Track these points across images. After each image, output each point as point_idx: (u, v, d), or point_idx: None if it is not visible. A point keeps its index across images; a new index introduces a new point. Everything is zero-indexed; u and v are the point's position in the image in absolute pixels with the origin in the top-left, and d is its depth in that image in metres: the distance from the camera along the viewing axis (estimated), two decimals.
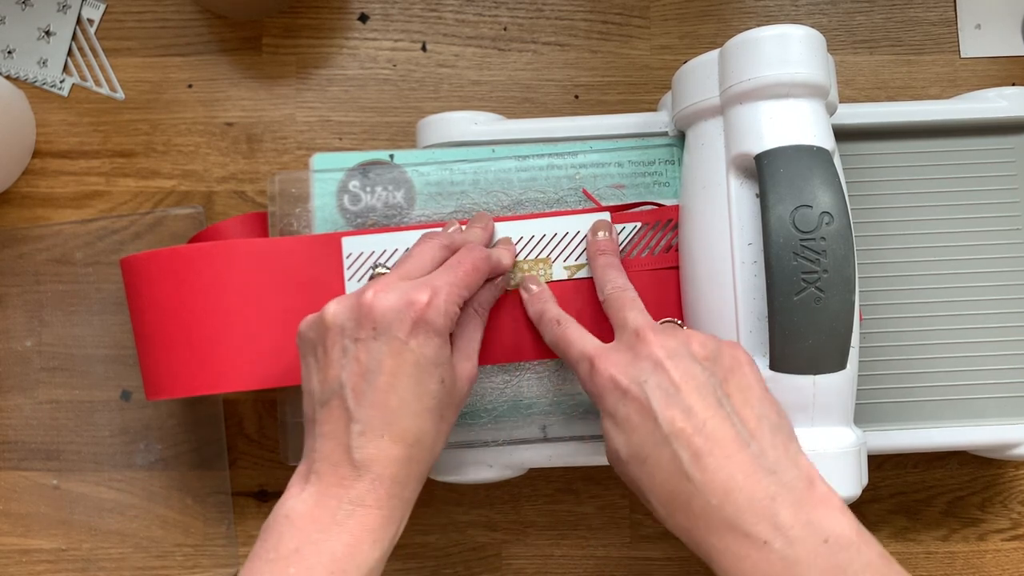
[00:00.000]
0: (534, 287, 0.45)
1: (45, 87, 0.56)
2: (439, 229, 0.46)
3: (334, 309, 0.39)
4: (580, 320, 0.46)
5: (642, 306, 0.41)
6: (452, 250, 0.43)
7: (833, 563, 0.33)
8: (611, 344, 0.40)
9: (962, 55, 0.57)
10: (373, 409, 0.37)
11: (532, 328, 0.45)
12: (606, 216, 0.46)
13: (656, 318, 0.41)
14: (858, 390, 0.42)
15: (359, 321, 0.38)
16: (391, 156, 0.48)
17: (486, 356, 0.45)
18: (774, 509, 0.33)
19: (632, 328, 0.39)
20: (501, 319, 0.45)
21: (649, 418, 0.36)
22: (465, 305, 0.41)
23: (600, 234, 0.45)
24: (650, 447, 0.36)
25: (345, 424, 0.37)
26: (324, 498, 0.37)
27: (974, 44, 0.57)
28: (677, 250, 0.46)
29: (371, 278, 0.42)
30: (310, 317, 0.40)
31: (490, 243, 0.46)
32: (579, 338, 0.41)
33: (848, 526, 0.34)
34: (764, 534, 0.33)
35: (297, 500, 0.37)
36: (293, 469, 0.53)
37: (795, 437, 0.37)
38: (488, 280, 0.43)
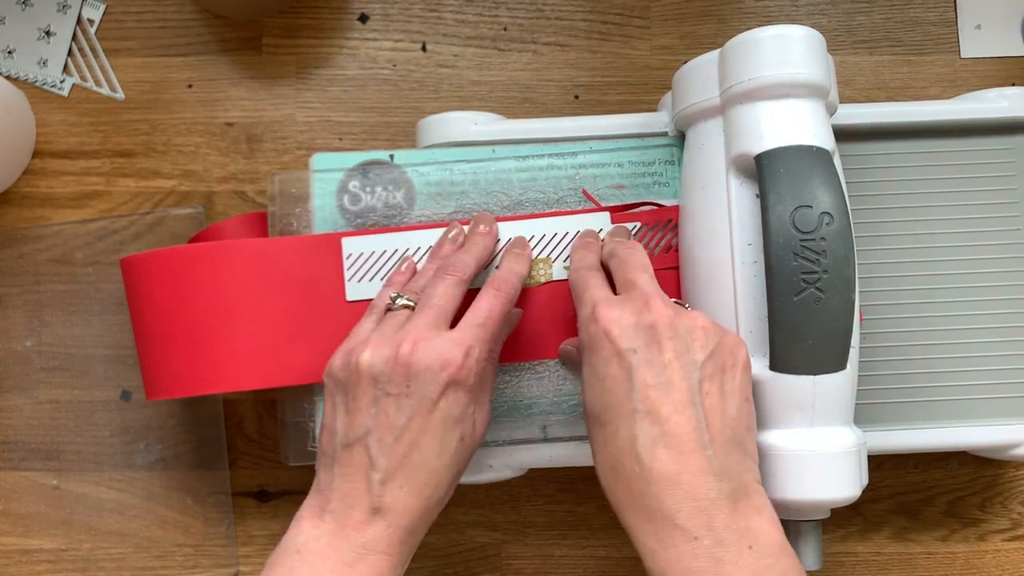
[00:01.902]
0: (591, 240, 0.45)
1: (45, 87, 0.56)
2: (442, 231, 0.46)
3: (369, 359, 0.39)
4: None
5: (653, 273, 0.41)
6: (470, 281, 0.43)
7: (753, 568, 0.34)
8: (621, 297, 0.39)
9: (962, 55, 0.57)
10: (395, 460, 0.38)
11: (538, 329, 0.46)
12: (606, 216, 0.47)
13: None
14: (858, 390, 0.42)
15: (393, 375, 0.38)
16: (391, 156, 0.48)
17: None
18: (711, 511, 0.35)
19: (642, 292, 0.39)
20: None
21: (625, 387, 0.36)
22: (490, 354, 0.41)
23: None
24: (614, 413, 0.37)
25: (366, 470, 0.38)
26: (337, 539, 0.37)
27: (974, 44, 0.57)
28: (677, 250, 0.46)
29: (388, 310, 0.42)
30: (342, 356, 0.40)
31: (495, 245, 0.46)
32: (596, 285, 0.41)
33: (773, 538, 0.35)
34: (696, 530, 0.34)
35: (309, 536, 0.38)
36: (293, 469, 0.54)
37: (752, 453, 0.38)
38: None
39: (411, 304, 0.41)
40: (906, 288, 0.48)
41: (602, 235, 0.46)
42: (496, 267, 0.45)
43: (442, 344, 0.39)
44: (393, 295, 0.42)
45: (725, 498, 0.35)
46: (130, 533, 0.54)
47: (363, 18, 0.57)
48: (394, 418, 0.38)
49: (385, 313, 0.42)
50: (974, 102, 0.49)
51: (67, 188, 0.56)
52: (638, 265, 0.41)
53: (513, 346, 0.46)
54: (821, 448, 0.40)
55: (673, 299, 0.41)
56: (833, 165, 0.40)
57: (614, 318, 0.38)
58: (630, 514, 0.36)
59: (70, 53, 0.56)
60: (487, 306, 0.41)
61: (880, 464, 0.54)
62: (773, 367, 0.40)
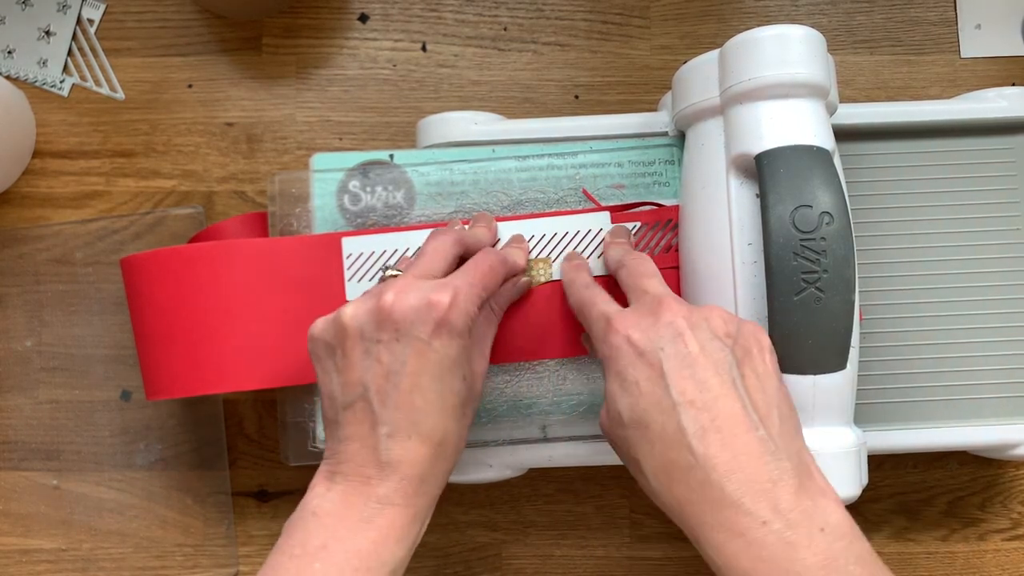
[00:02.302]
0: (579, 261, 0.45)
1: (45, 87, 0.56)
2: (442, 229, 0.46)
3: (352, 311, 0.38)
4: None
5: (662, 278, 0.40)
6: (464, 247, 0.43)
7: (828, 551, 0.33)
8: (631, 308, 0.39)
9: (962, 55, 0.57)
10: (399, 410, 0.37)
11: (538, 329, 0.45)
12: (606, 216, 0.47)
13: None
14: (858, 390, 0.42)
15: (379, 324, 0.38)
16: (391, 156, 0.48)
17: (493, 357, 0.45)
18: (775, 492, 0.33)
19: (654, 295, 0.38)
20: (508, 320, 0.45)
21: (660, 385, 0.36)
22: (482, 304, 0.41)
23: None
24: (655, 414, 0.36)
25: (371, 426, 0.37)
26: (351, 497, 0.37)
27: (974, 44, 0.57)
28: (677, 250, 0.46)
29: (381, 280, 0.42)
30: (323, 320, 0.40)
31: (495, 243, 0.46)
32: (603, 301, 0.40)
33: (843, 519, 0.34)
34: (764, 514, 0.33)
35: (323, 499, 0.37)
36: (293, 469, 0.54)
37: (801, 432, 0.37)
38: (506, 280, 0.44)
39: (399, 273, 0.41)
40: (906, 288, 0.48)
41: (602, 235, 0.46)
42: None
43: (425, 287, 0.38)
44: (384, 267, 0.42)
45: (789, 477, 0.34)
46: (130, 533, 0.54)
47: (363, 18, 0.57)
48: (389, 365, 0.37)
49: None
50: (974, 102, 0.49)
51: (67, 188, 0.56)
52: (648, 272, 0.40)
53: (513, 346, 0.46)
54: (821, 448, 0.39)
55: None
56: (833, 165, 0.40)
57: (632, 323, 0.37)
58: (691, 511, 0.35)
59: (70, 53, 0.57)
60: (475, 258, 0.41)
61: (880, 464, 0.54)
62: None
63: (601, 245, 0.46)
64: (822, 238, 0.39)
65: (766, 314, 0.40)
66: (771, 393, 0.36)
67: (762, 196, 0.40)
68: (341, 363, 0.38)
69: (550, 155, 0.48)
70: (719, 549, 0.34)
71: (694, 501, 0.34)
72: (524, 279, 0.45)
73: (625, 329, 0.37)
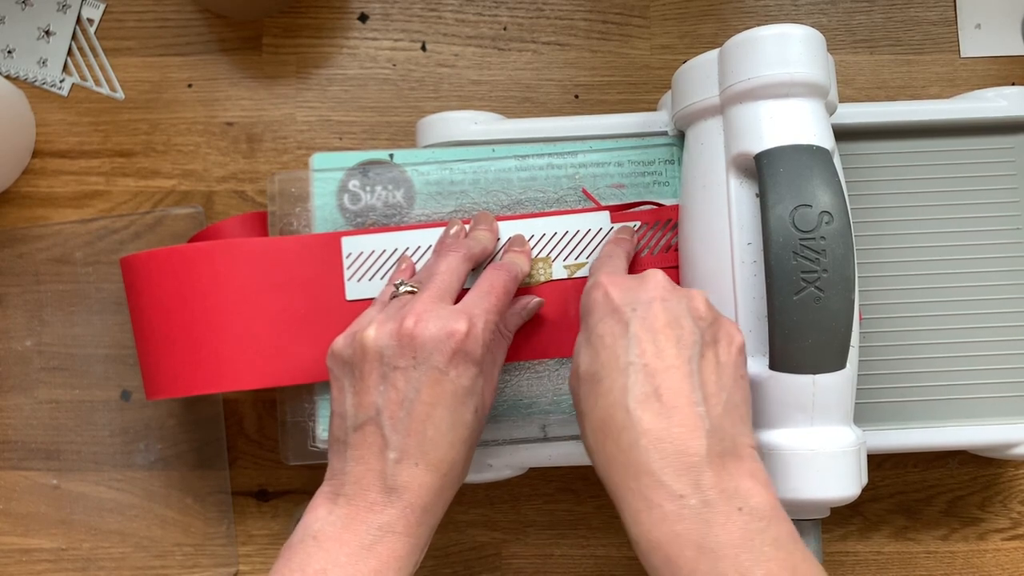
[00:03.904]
0: (625, 236, 0.46)
1: (45, 87, 0.56)
2: (442, 230, 0.46)
3: (374, 334, 0.38)
4: (580, 318, 0.46)
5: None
6: (474, 262, 0.43)
7: (744, 531, 0.33)
8: (626, 274, 0.41)
9: (962, 55, 0.57)
10: (409, 437, 0.37)
11: (538, 328, 0.46)
12: (606, 215, 0.47)
13: None
14: (858, 390, 0.42)
15: (399, 349, 0.38)
16: (391, 156, 0.48)
17: None
18: (699, 468, 0.34)
19: (649, 270, 0.39)
20: None
21: (622, 343, 0.36)
22: (495, 328, 0.41)
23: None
24: (609, 369, 0.36)
25: (380, 450, 0.37)
26: (353, 522, 0.37)
27: (974, 44, 0.57)
28: (677, 250, 0.46)
29: (393, 295, 0.42)
30: (344, 337, 0.40)
31: (496, 244, 0.46)
32: (612, 265, 0.42)
33: (766, 501, 0.34)
34: (682, 488, 0.33)
35: (325, 522, 0.37)
36: (293, 469, 0.54)
37: (748, 424, 0.37)
38: (515, 297, 0.44)
39: (414, 290, 0.41)
40: (906, 288, 0.48)
41: (602, 235, 0.46)
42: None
43: (446, 314, 0.38)
44: (397, 283, 0.42)
45: (716, 456, 0.34)
46: (130, 533, 0.54)
47: (363, 18, 0.57)
48: (404, 392, 0.37)
49: (390, 301, 0.42)
50: (973, 101, 0.49)
51: (67, 188, 0.56)
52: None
53: (513, 346, 0.46)
54: (821, 447, 0.40)
55: None
56: (833, 164, 0.40)
57: (616, 282, 0.38)
58: (615, 472, 0.35)
59: (70, 53, 0.57)
60: (489, 279, 0.41)
61: (880, 463, 0.54)
62: (773, 366, 0.40)
63: (600, 246, 0.46)
64: (822, 237, 0.39)
65: (766, 313, 0.40)
66: (725, 381, 0.36)
67: (762, 195, 0.40)
68: (358, 384, 0.39)
69: (550, 155, 0.48)
70: (635, 516, 0.34)
71: (620, 463, 0.35)
72: (535, 301, 0.45)
73: (607, 285, 0.38)
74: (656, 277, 0.38)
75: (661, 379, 0.35)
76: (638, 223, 0.47)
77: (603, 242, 0.46)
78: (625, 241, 0.45)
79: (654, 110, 0.51)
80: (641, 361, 0.35)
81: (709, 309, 0.38)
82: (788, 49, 0.41)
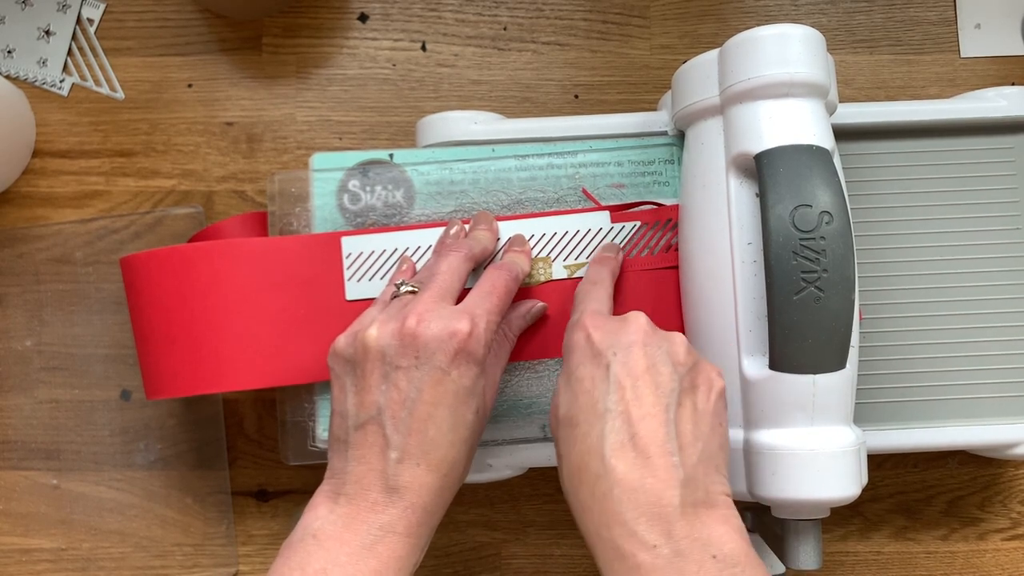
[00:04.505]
0: (610, 254, 0.45)
1: (45, 87, 0.56)
2: (442, 230, 0.46)
3: (377, 333, 0.38)
4: None
5: None
6: (475, 262, 0.43)
7: None
8: (609, 315, 0.40)
9: (962, 55, 0.57)
10: (411, 437, 0.37)
11: (538, 328, 0.46)
12: (606, 215, 0.47)
13: (655, 317, 0.40)
14: (858, 390, 0.42)
15: (402, 349, 0.38)
16: (391, 156, 0.48)
17: None
18: (672, 518, 0.34)
19: (631, 312, 0.39)
20: None
21: (601, 388, 0.36)
22: (497, 329, 0.41)
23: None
24: (586, 414, 0.36)
25: (381, 449, 0.37)
26: (354, 522, 0.37)
27: (974, 44, 0.57)
28: (677, 250, 0.46)
29: (394, 296, 0.42)
30: (346, 336, 0.40)
31: (496, 244, 0.46)
32: (596, 299, 0.41)
33: (739, 548, 0.34)
34: (655, 539, 0.33)
35: (326, 521, 0.37)
36: (293, 469, 0.54)
37: (724, 474, 0.37)
38: (517, 298, 0.44)
39: (415, 289, 0.41)
40: (906, 288, 0.48)
41: (602, 235, 0.46)
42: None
43: (448, 314, 0.38)
44: (398, 283, 0.42)
45: (688, 506, 0.34)
46: (130, 533, 0.54)
47: (363, 18, 0.57)
48: (406, 392, 0.37)
49: (391, 301, 0.42)
50: (973, 101, 0.49)
51: (67, 188, 0.56)
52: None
53: (523, 346, 0.46)
54: (821, 447, 0.39)
55: None
56: (833, 164, 0.40)
57: (598, 324, 0.38)
58: (589, 520, 0.35)
59: (70, 53, 0.57)
60: (490, 279, 0.41)
61: (880, 463, 0.54)
62: (773, 366, 0.40)
63: (600, 246, 0.46)
64: (822, 237, 0.39)
65: (766, 313, 0.40)
66: (702, 429, 0.36)
67: (762, 195, 0.40)
68: (360, 383, 0.39)
69: (550, 154, 0.48)
70: (609, 565, 0.34)
71: (595, 511, 0.35)
72: (539, 306, 0.45)
73: (590, 328, 0.38)
74: (638, 321, 0.38)
75: (637, 427, 0.35)
76: (637, 224, 0.47)
77: (590, 257, 0.46)
78: (610, 260, 0.45)
79: (654, 110, 0.51)
80: (619, 408, 0.35)
81: (689, 354, 0.37)
82: (788, 49, 0.41)
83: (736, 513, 0.35)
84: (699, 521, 0.34)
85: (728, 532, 0.34)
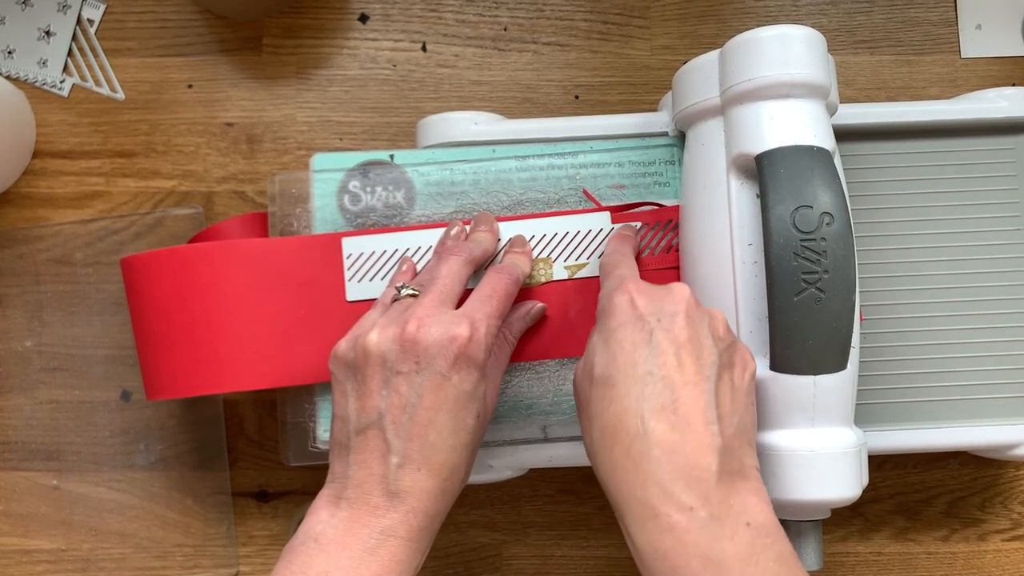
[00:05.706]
0: (629, 232, 0.46)
1: (45, 87, 0.56)
2: (442, 230, 0.46)
3: (377, 338, 0.38)
4: (580, 319, 0.46)
5: None
6: (475, 265, 0.43)
7: (751, 545, 0.33)
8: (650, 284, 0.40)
9: (962, 55, 0.57)
10: (412, 442, 0.37)
11: (539, 329, 0.46)
12: (607, 216, 0.47)
13: None
14: (859, 391, 0.42)
15: (402, 354, 0.38)
16: (391, 156, 0.48)
17: None
18: (709, 483, 0.34)
19: (676, 283, 0.39)
20: None
21: (643, 352, 0.36)
22: (497, 332, 0.41)
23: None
24: (624, 375, 0.36)
25: (382, 454, 0.37)
26: (355, 526, 0.37)
27: (974, 44, 0.57)
28: (677, 250, 0.46)
29: (395, 299, 0.42)
30: (346, 341, 0.40)
31: (497, 245, 0.46)
32: (630, 268, 0.42)
33: (770, 520, 0.35)
34: (692, 501, 0.34)
35: (327, 525, 0.37)
36: (294, 469, 0.54)
37: (754, 448, 0.37)
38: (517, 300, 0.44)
39: (416, 293, 0.41)
40: (906, 288, 0.48)
41: (602, 235, 0.46)
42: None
43: (448, 319, 0.38)
44: (399, 286, 0.42)
45: (725, 474, 0.34)
46: (130, 533, 0.54)
47: (363, 18, 0.57)
48: (407, 397, 0.37)
49: (391, 304, 0.42)
50: (974, 102, 0.49)
51: (67, 188, 0.56)
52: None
53: (523, 347, 0.46)
54: (821, 448, 0.40)
55: None
56: (833, 165, 0.40)
57: (643, 290, 0.38)
58: (621, 478, 0.35)
59: (70, 53, 0.56)
60: (491, 283, 0.41)
61: (880, 464, 0.54)
62: (773, 367, 0.40)
63: (601, 246, 0.46)
64: (822, 238, 0.39)
65: (766, 314, 0.40)
66: (739, 404, 0.37)
67: (762, 196, 0.40)
68: (361, 388, 0.39)
69: (550, 155, 0.48)
70: (641, 524, 0.34)
71: (628, 469, 0.35)
72: (538, 307, 0.45)
73: (634, 292, 0.38)
74: (684, 291, 0.38)
75: (679, 393, 0.35)
76: (639, 223, 0.47)
77: (607, 238, 0.46)
78: (630, 238, 0.45)
79: (654, 111, 0.51)
80: (661, 372, 0.35)
81: (727, 331, 0.38)
82: (789, 50, 0.41)
83: (765, 489, 0.36)
84: (734, 489, 0.34)
85: (760, 503, 0.35)
